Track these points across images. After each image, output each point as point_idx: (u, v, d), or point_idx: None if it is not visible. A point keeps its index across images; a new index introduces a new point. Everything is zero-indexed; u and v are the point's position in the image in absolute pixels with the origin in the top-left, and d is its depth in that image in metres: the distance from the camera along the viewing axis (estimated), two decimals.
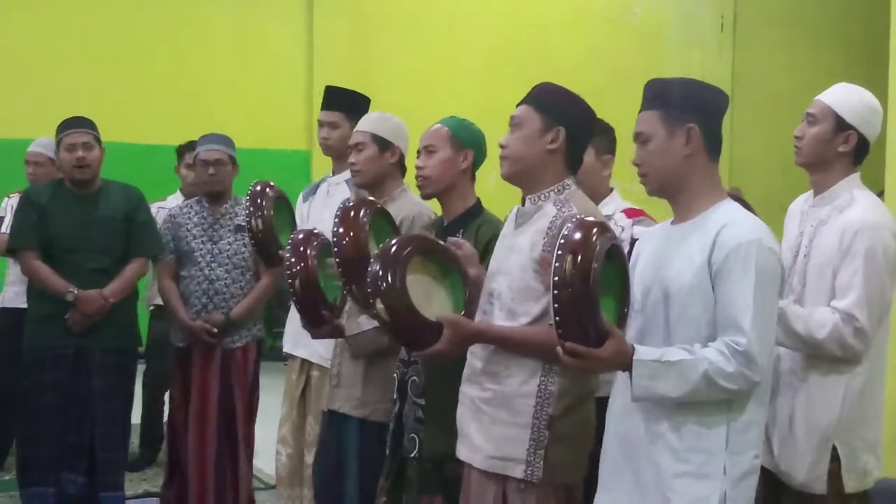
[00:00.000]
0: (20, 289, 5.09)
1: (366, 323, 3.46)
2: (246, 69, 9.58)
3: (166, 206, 5.66)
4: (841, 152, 3.09)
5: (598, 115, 3.26)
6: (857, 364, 2.98)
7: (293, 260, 3.35)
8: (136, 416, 5.10)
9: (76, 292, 4.31)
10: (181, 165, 5.98)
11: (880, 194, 4.29)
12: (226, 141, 4.75)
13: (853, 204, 3.05)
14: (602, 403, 2.87)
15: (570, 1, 10.75)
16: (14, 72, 8.65)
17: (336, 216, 3.27)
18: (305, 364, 4.35)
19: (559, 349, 2.34)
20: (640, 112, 2.58)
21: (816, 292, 3.02)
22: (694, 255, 2.44)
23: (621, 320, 2.48)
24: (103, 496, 4.43)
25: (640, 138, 2.56)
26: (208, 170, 4.67)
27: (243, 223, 4.62)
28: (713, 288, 2.40)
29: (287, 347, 4.50)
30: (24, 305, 4.80)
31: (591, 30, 10.77)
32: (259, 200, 4.01)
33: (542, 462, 2.74)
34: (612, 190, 3.71)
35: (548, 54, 9.94)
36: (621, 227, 3.53)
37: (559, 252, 2.32)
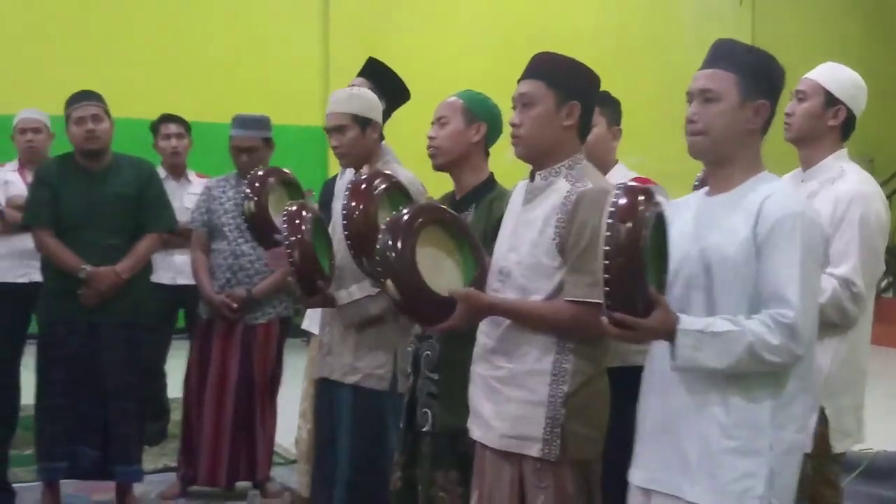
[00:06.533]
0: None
1: (357, 292, 3.51)
2: (261, 44, 9.56)
3: None
4: (831, 126, 3.24)
5: (616, 87, 3.21)
6: (846, 329, 3.10)
7: (289, 231, 3.37)
8: None
9: (88, 269, 4.32)
10: (158, 139, 5.76)
11: None
12: (260, 124, 4.75)
13: (844, 176, 3.18)
14: (611, 373, 2.85)
15: None
16: (13, 46, 8.62)
17: (347, 189, 3.27)
18: None
19: (604, 318, 2.29)
20: (705, 68, 2.49)
21: None
22: (737, 226, 2.39)
23: (662, 288, 2.42)
24: (119, 470, 4.46)
25: (707, 95, 2.45)
26: (242, 157, 4.70)
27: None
28: (757, 259, 2.36)
29: (306, 324, 4.50)
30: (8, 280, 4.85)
31: (606, 1, 10.70)
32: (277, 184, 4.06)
33: (558, 440, 2.69)
34: (616, 162, 3.73)
35: (562, 24, 9.88)
36: None
37: (610, 220, 2.25)
